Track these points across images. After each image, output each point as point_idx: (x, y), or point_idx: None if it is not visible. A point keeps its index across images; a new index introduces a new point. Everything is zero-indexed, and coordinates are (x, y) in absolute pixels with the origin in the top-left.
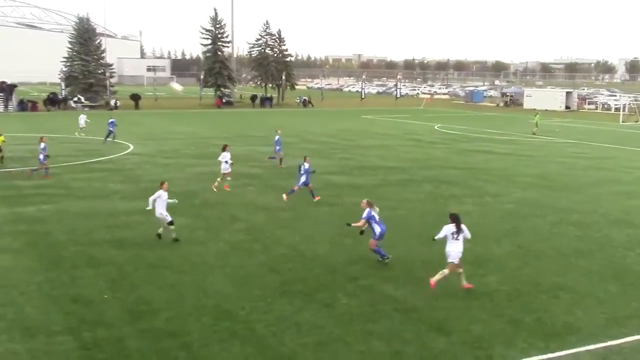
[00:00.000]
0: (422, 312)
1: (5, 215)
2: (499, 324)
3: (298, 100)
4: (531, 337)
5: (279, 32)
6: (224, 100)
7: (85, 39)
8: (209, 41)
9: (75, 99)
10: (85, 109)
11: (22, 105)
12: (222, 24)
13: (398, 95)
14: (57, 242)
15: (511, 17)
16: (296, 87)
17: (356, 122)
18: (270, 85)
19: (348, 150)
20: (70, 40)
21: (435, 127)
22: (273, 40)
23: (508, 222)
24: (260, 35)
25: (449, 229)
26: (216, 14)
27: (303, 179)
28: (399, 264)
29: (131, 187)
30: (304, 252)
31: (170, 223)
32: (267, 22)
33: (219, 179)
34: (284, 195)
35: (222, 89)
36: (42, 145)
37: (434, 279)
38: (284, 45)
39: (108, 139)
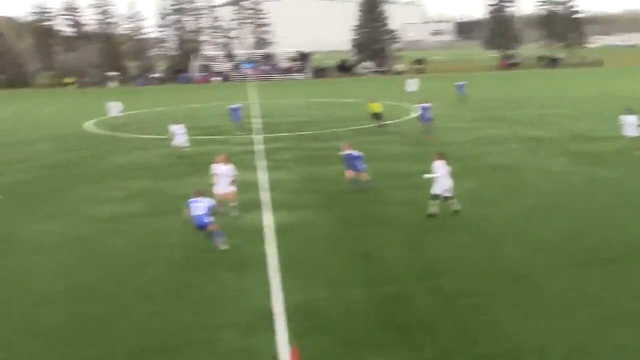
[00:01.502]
0: None
1: (305, 174)
2: None
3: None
4: None
5: None
6: (510, 62)
7: (372, 7)
8: (494, 1)
9: (363, 65)
10: (373, 74)
11: (316, 73)
12: None
13: None
14: (352, 200)
15: None
16: (588, 45)
17: None
18: (559, 44)
19: None
20: (359, 9)
21: None
22: None
23: None
24: None
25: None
26: None
27: None
28: None
29: (419, 150)
30: (607, 220)
31: (449, 198)
32: None
33: None
34: None
35: (506, 50)
36: (426, 105)
37: None
38: (573, 0)
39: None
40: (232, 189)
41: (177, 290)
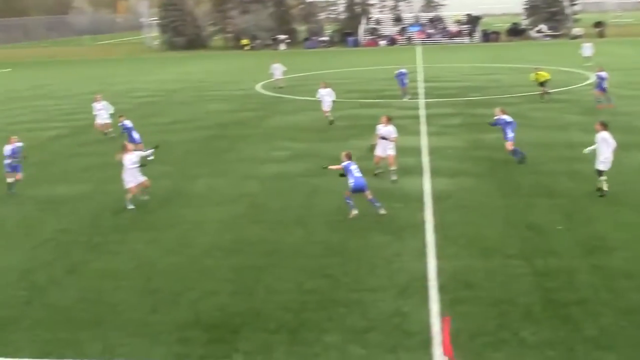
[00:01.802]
0: None
1: (469, 141)
2: None
3: None
4: None
5: None
6: None
7: None
8: None
9: (537, 28)
10: (547, 38)
11: (485, 36)
12: None
13: None
14: (514, 169)
15: None
16: None
17: None
18: None
19: None
20: None
21: None
22: None
23: None
24: None
25: None
26: None
27: None
28: None
29: (590, 119)
30: None
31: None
32: None
33: None
34: None
35: None
36: (601, 73)
37: None
38: None
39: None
40: (392, 152)
41: (333, 250)
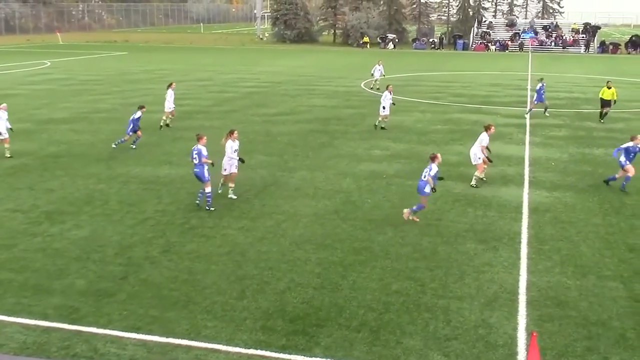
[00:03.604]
0: None
1: (574, 154)
2: None
3: None
4: None
5: None
6: None
7: None
8: None
9: None
10: None
11: (603, 47)
12: None
13: None
14: (617, 188)
15: None
16: None
17: None
18: None
19: None
20: None
21: None
22: None
23: None
24: None
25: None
26: None
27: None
28: None
29: None
30: None
31: None
32: None
33: None
34: None
35: None
36: None
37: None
38: None
39: None
40: (479, 161)
41: (422, 253)
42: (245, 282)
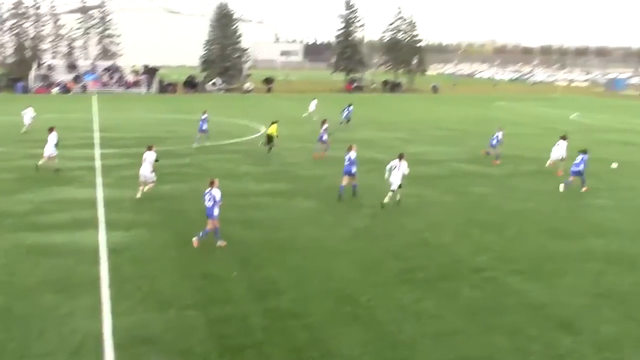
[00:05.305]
0: (549, 309)
1: (145, 192)
2: (631, 327)
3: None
4: None
5: (412, 18)
6: (354, 85)
7: (223, 24)
8: (342, 25)
9: (212, 81)
10: (221, 91)
11: (162, 87)
12: (355, 8)
13: (533, 82)
14: (190, 220)
15: None
16: (427, 72)
17: (488, 109)
18: (401, 70)
19: (478, 137)
20: (210, 24)
21: (572, 116)
22: (406, 26)
23: None
24: (392, 21)
25: (393, 163)
26: None
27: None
28: (526, 258)
29: (261, 170)
30: (428, 241)
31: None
32: (399, 7)
33: None
34: None
35: (352, 73)
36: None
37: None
38: (416, 30)
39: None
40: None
41: None
42: None
